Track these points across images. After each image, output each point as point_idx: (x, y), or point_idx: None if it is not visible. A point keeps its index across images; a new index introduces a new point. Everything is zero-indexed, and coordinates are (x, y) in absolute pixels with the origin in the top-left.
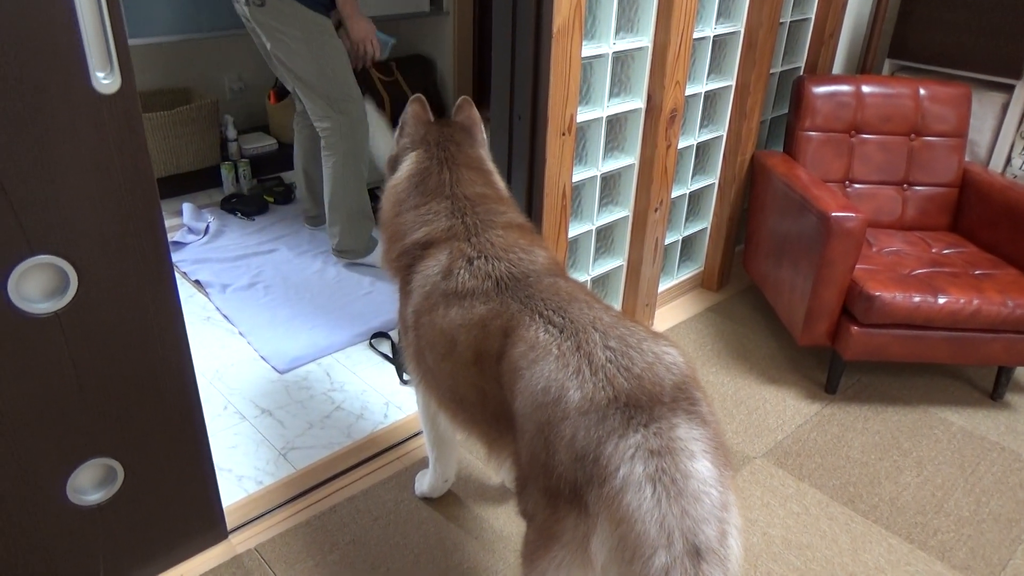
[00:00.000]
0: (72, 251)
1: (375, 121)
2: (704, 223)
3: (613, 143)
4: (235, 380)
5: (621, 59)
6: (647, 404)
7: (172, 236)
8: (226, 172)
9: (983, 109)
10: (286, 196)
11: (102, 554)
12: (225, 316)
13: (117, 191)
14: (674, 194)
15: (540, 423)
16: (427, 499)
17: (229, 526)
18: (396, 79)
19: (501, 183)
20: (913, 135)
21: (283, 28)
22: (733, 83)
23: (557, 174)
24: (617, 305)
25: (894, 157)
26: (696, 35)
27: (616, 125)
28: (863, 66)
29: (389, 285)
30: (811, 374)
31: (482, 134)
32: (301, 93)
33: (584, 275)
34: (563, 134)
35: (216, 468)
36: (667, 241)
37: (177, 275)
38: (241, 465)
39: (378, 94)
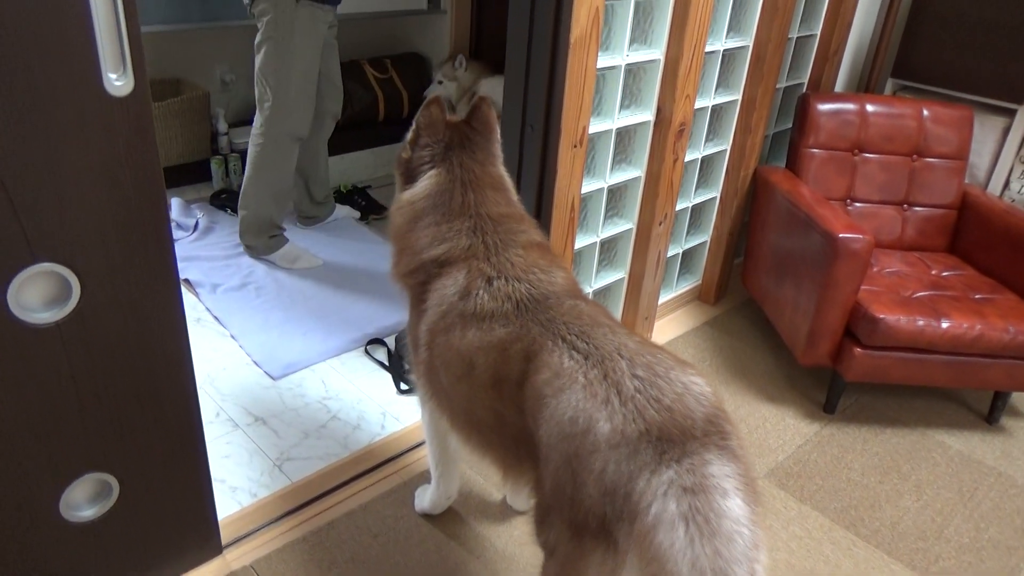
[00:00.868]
0: (76, 259)
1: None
2: (704, 236)
3: (621, 155)
4: (227, 385)
5: (633, 71)
6: (679, 438)
7: None
8: (216, 166)
9: (983, 132)
10: None
11: (94, 571)
12: (216, 318)
13: (125, 199)
14: (677, 207)
15: (567, 454)
16: (427, 515)
17: (224, 541)
18: (391, 76)
19: (517, 200)
20: (915, 156)
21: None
22: (739, 97)
23: (567, 186)
24: (616, 318)
25: (895, 177)
26: (706, 49)
27: (625, 137)
28: (866, 85)
29: (383, 290)
30: (809, 393)
31: (498, 142)
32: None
33: (586, 287)
34: (575, 146)
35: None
36: (668, 254)
37: None
38: (235, 476)
39: (372, 91)
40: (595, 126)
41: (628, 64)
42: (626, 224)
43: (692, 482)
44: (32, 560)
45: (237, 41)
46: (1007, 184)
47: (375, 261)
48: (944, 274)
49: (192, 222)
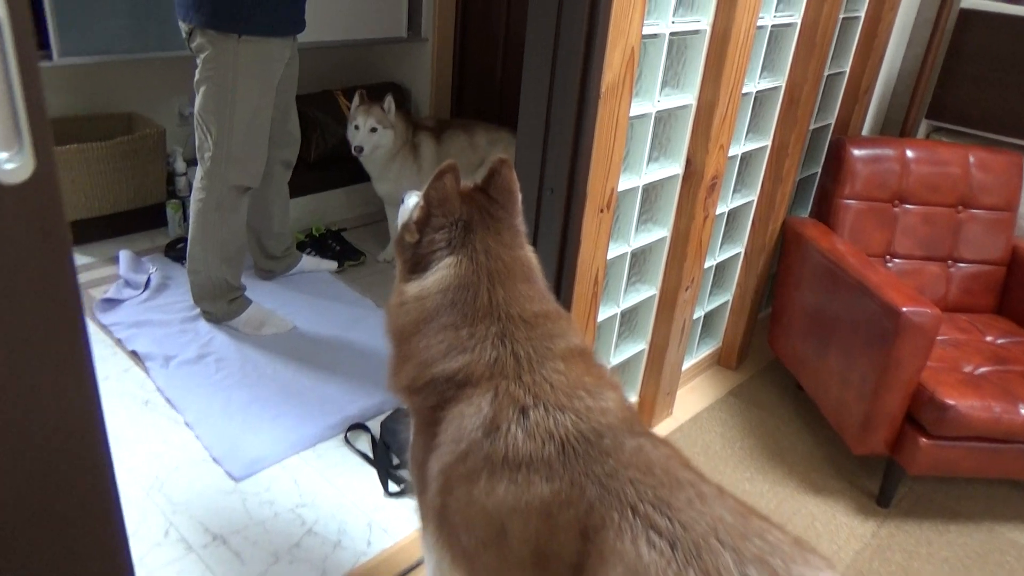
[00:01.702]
0: None
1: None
2: (727, 295)
3: (646, 214)
4: (180, 491)
5: (663, 119)
6: None
7: (105, 292)
8: (172, 212)
9: None
10: None
11: None
12: (168, 400)
13: (23, 311)
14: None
15: None
16: None
17: None
18: None
19: (547, 288)
20: (960, 207)
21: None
22: (769, 143)
23: (591, 257)
24: (635, 395)
25: (939, 230)
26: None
27: (651, 194)
28: (901, 127)
29: (364, 361)
30: (858, 480)
31: (521, 214)
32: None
33: (605, 362)
34: (601, 210)
35: None
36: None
37: (110, 344)
38: None
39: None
40: (622, 183)
41: (659, 111)
42: (649, 290)
43: None
44: None
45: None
46: None
47: (354, 324)
48: (1000, 342)
49: (143, 278)
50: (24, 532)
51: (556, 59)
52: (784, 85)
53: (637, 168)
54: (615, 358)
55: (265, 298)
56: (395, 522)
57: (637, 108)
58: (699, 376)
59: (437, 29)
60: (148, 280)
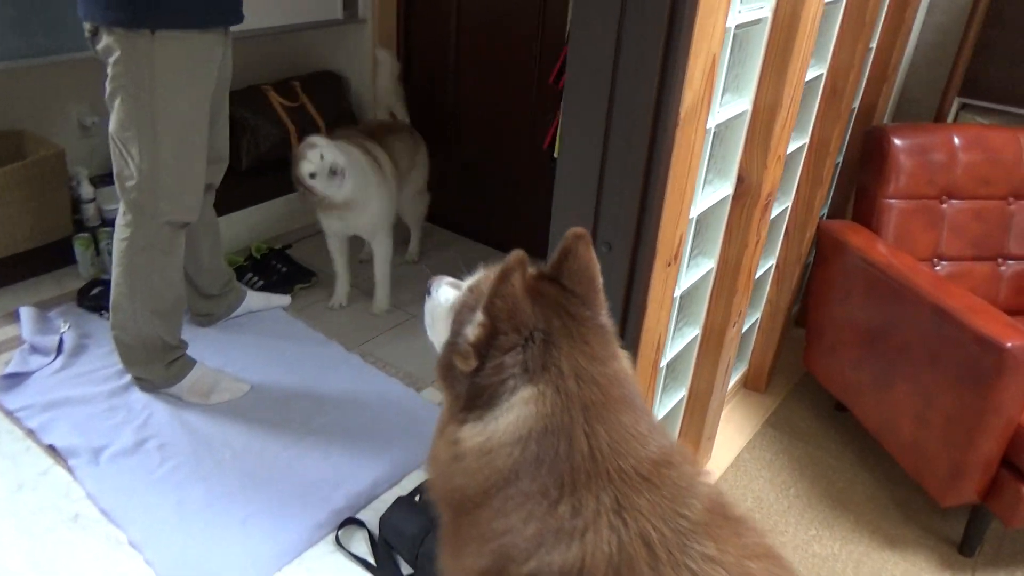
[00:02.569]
0: None
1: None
2: (755, 314)
3: (697, 248)
4: None
5: (720, 133)
6: None
7: (7, 365)
8: (82, 248)
9: None
10: None
11: None
12: (104, 511)
13: None
14: None
15: None
16: None
17: None
18: (302, 103)
19: (649, 408)
20: (1011, 199)
21: None
22: (807, 142)
23: (656, 320)
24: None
25: (990, 227)
26: None
27: (701, 223)
28: (939, 109)
29: (344, 421)
30: (931, 525)
31: (606, 306)
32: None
33: None
34: (669, 264)
35: None
36: None
37: (20, 436)
38: None
39: (281, 124)
40: None
41: (719, 123)
42: (692, 331)
43: None
44: None
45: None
46: None
47: (323, 376)
48: None
49: (54, 340)
50: None
51: (616, 77)
52: (825, 73)
53: (695, 194)
54: (660, 411)
55: (209, 353)
56: None
57: None
58: (728, 403)
59: (377, 8)
60: (60, 342)
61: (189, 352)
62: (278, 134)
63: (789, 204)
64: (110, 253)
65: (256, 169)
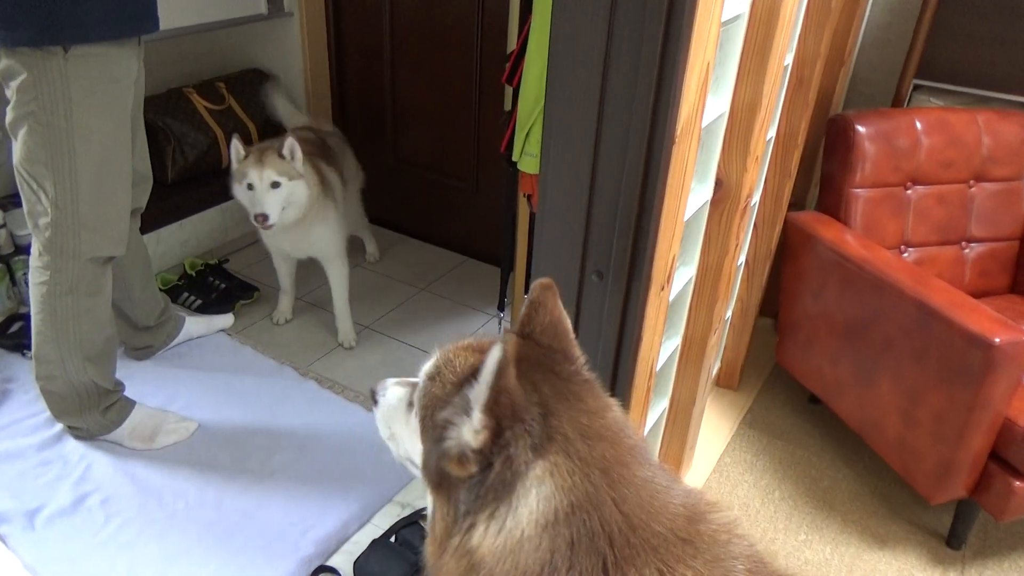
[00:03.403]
0: None
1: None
2: (726, 312)
3: (679, 256)
4: None
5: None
6: None
7: None
8: None
9: None
10: None
11: None
12: None
13: None
14: None
15: None
16: None
17: None
18: (228, 106)
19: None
20: (972, 181)
21: None
22: (774, 133)
23: (650, 347)
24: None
25: (953, 211)
26: None
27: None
28: (897, 93)
29: (306, 457)
30: (917, 519)
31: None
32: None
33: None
34: (662, 288)
35: None
36: None
37: None
38: None
39: (207, 129)
40: None
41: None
42: (674, 342)
43: None
44: None
45: None
46: None
47: (276, 406)
48: None
49: None
50: None
51: (605, 95)
52: (792, 63)
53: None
54: (644, 428)
55: (149, 391)
56: None
57: None
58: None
59: (304, 0)
60: None
61: (127, 392)
62: (205, 140)
63: (758, 199)
64: (28, 283)
65: (184, 181)
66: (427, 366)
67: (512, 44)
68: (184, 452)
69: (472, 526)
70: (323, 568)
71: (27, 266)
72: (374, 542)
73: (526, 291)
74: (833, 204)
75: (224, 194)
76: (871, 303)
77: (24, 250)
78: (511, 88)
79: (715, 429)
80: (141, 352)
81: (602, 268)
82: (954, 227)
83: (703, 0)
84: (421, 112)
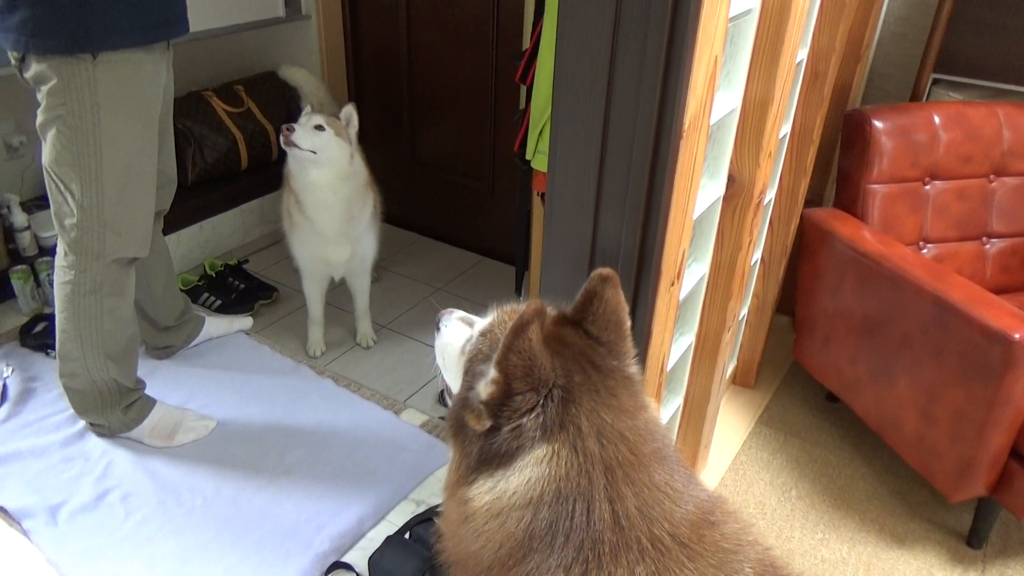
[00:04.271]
0: None
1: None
2: (743, 309)
3: (691, 253)
4: None
5: (712, 133)
6: None
7: None
8: (20, 283)
9: None
10: None
11: None
12: None
13: None
14: None
15: None
16: None
17: None
18: (248, 108)
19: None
20: (992, 176)
21: None
22: (788, 129)
23: (660, 343)
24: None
25: (974, 206)
26: None
27: (694, 227)
28: (915, 87)
29: (322, 453)
30: (936, 517)
31: (633, 353)
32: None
33: None
34: (672, 283)
35: None
36: None
37: None
38: None
39: (227, 132)
40: None
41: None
42: (687, 339)
43: None
44: None
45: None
46: None
47: (294, 406)
48: None
49: None
50: None
51: (612, 89)
52: (807, 57)
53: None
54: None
55: (169, 389)
56: None
57: None
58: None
59: (321, 3)
60: (3, 388)
61: (147, 391)
62: (224, 143)
63: (773, 195)
64: (52, 284)
65: (204, 183)
66: (483, 323)
67: (527, 43)
68: (202, 449)
69: (474, 481)
70: (338, 564)
71: (51, 268)
72: (389, 539)
73: (540, 289)
74: (850, 200)
75: (244, 196)
76: (889, 300)
77: (48, 252)
78: (525, 87)
79: (732, 427)
80: (162, 351)
81: (611, 264)
82: (974, 222)
83: None
84: (437, 113)
